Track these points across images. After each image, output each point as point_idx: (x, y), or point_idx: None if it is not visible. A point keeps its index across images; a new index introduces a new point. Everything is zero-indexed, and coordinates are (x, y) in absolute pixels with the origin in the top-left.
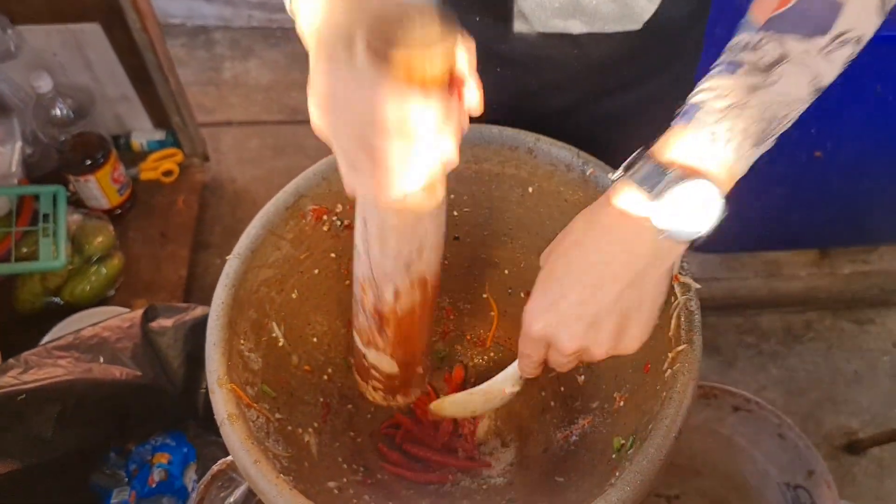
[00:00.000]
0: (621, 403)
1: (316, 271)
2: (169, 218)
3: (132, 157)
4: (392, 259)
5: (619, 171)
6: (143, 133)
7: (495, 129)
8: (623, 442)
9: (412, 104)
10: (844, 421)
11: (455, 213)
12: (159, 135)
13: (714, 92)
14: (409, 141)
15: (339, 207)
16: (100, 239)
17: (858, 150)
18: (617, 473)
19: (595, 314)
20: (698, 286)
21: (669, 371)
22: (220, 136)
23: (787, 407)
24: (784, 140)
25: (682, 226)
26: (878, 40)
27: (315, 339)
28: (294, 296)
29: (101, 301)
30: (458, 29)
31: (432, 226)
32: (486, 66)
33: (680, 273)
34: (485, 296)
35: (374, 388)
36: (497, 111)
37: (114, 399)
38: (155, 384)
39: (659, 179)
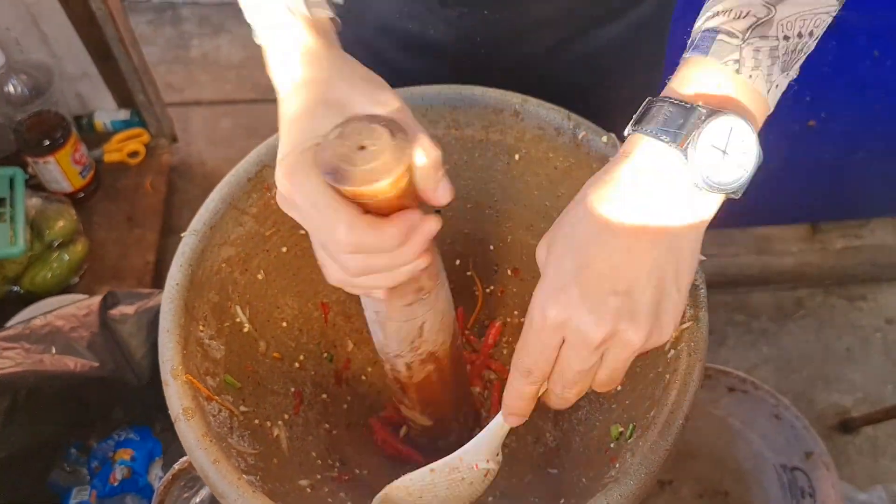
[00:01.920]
0: (618, 388)
1: (284, 249)
2: (136, 201)
3: (95, 138)
4: (395, 341)
5: (629, 127)
6: (107, 112)
7: (478, 91)
8: (622, 430)
9: (365, 233)
10: (837, 399)
11: None
12: (124, 114)
13: (730, 13)
14: (368, 260)
15: None
16: (61, 223)
17: (853, 119)
18: (617, 465)
19: (630, 285)
20: (703, 257)
21: (673, 352)
22: (190, 116)
23: (778, 386)
24: (776, 109)
25: (719, 174)
26: (877, 2)
27: (285, 324)
28: (260, 276)
29: (65, 289)
30: (416, 138)
31: (428, 308)
32: (474, 8)
33: None
34: (469, 273)
35: (414, 432)
36: (482, 54)
37: (70, 392)
38: (115, 376)
39: (684, 121)
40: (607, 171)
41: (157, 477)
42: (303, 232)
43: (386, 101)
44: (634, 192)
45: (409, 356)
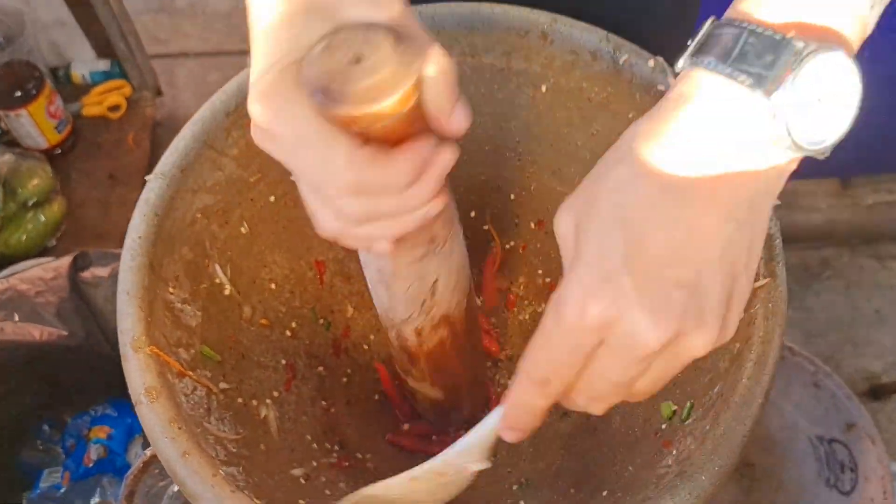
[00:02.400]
0: None
1: (272, 198)
2: (117, 158)
3: (73, 91)
4: (403, 304)
5: (686, 59)
6: (85, 63)
7: (498, 9)
8: (675, 408)
9: (368, 167)
10: (866, 364)
11: None
12: (103, 65)
13: None
14: (372, 203)
15: None
16: (35, 181)
17: None
18: (673, 451)
19: (698, 272)
20: (777, 202)
21: (742, 315)
22: (175, 68)
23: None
24: None
25: (813, 129)
26: None
27: (273, 286)
28: (243, 230)
29: (42, 251)
30: (425, 48)
31: (441, 262)
32: None
33: None
34: (485, 227)
35: (422, 408)
36: None
37: (37, 363)
38: (88, 345)
39: (774, 58)
40: (660, 120)
41: (137, 456)
42: (293, 178)
43: (385, 2)
44: (701, 150)
45: (419, 321)
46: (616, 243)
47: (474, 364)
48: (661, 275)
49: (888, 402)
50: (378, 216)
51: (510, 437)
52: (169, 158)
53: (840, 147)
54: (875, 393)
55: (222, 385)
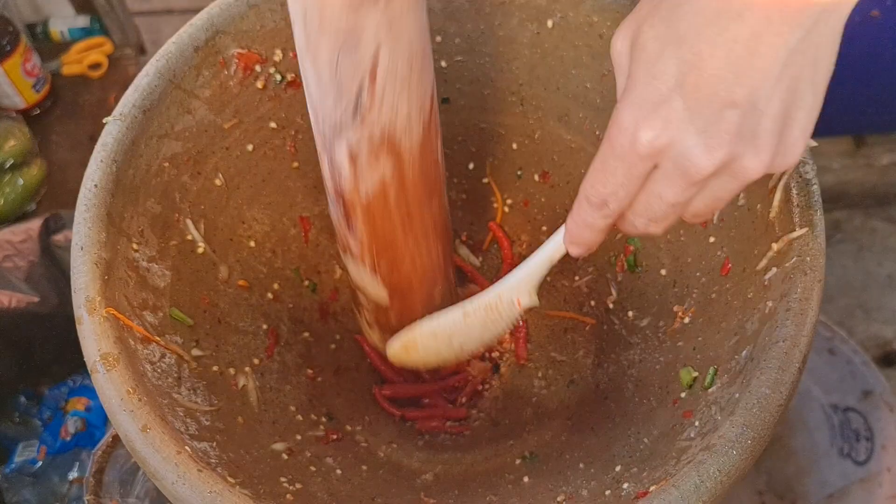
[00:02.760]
0: (685, 320)
1: (250, 147)
2: (99, 118)
3: (52, 49)
4: (333, 92)
5: None
6: (64, 20)
7: None
8: (696, 375)
9: None
10: (878, 330)
11: (443, 65)
12: (83, 21)
13: None
14: None
15: (279, 55)
16: (12, 143)
17: None
18: (695, 421)
19: (753, 91)
20: (814, 143)
21: (775, 270)
22: (160, 26)
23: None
24: None
25: None
26: None
27: (253, 244)
28: (218, 182)
29: (20, 216)
30: None
31: (385, 25)
32: None
33: None
34: (485, 180)
35: (369, 324)
36: None
37: (8, 332)
38: (62, 312)
39: None
40: None
41: None
42: (274, 125)
43: None
44: None
45: (353, 129)
46: (669, 64)
47: (431, 251)
48: (714, 95)
49: None
50: None
51: (574, 251)
52: (130, 98)
53: (858, 102)
54: (887, 359)
55: (195, 352)
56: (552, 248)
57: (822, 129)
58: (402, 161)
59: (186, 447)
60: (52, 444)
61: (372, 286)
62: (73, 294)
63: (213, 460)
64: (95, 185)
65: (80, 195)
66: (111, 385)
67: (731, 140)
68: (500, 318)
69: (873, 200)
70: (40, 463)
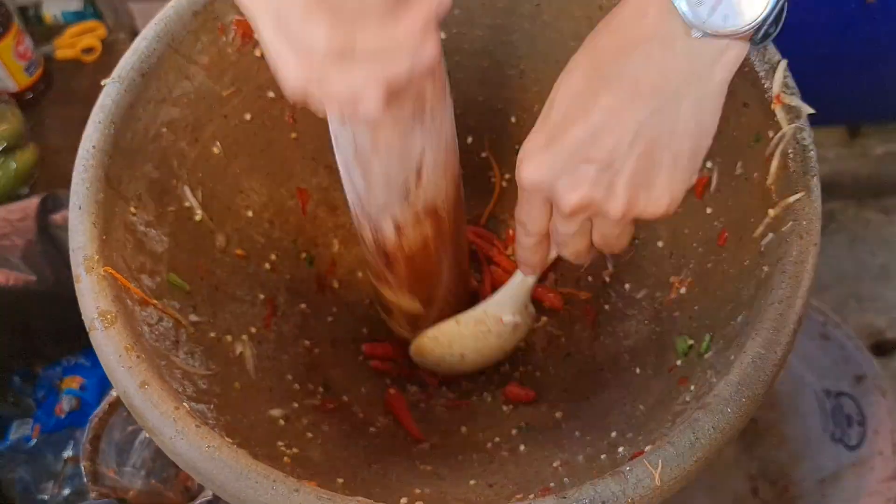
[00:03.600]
0: (681, 290)
1: (248, 116)
2: (92, 103)
3: (45, 32)
4: (381, 188)
5: None
6: (57, 3)
7: None
8: (692, 342)
9: None
10: (871, 319)
11: (442, 36)
12: (76, 4)
13: None
14: (346, 33)
15: None
16: (4, 126)
17: None
18: (691, 387)
19: (610, 154)
20: (812, 110)
21: (771, 236)
22: (154, 12)
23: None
24: None
25: (721, 15)
26: None
27: (250, 213)
28: (216, 150)
29: (14, 200)
30: None
31: (430, 137)
32: None
33: (784, 92)
34: (484, 154)
35: (399, 325)
36: None
37: (4, 310)
38: (58, 290)
39: None
40: (611, 14)
41: None
42: (272, 95)
43: None
44: (626, 48)
45: (400, 211)
46: (548, 123)
47: (459, 270)
48: (577, 152)
49: (893, 358)
50: (355, 53)
51: (524, 270)
52: (128, 61)
53: (852, 91)
54: (879, 348)
55: (192, 318)
56: (518, 273)
57: (817, 118)
58: (441, 222)
59: (185, 404)
60: (47, 421)
61: (410, 304)
62: (71, 254)
63: (210, 421)
64: (93, 147)
65: (78, 156)
66: (109, 342)
67: (588, 187)
68: (490, 332)
69: (868, 191)
70: (34, 441)
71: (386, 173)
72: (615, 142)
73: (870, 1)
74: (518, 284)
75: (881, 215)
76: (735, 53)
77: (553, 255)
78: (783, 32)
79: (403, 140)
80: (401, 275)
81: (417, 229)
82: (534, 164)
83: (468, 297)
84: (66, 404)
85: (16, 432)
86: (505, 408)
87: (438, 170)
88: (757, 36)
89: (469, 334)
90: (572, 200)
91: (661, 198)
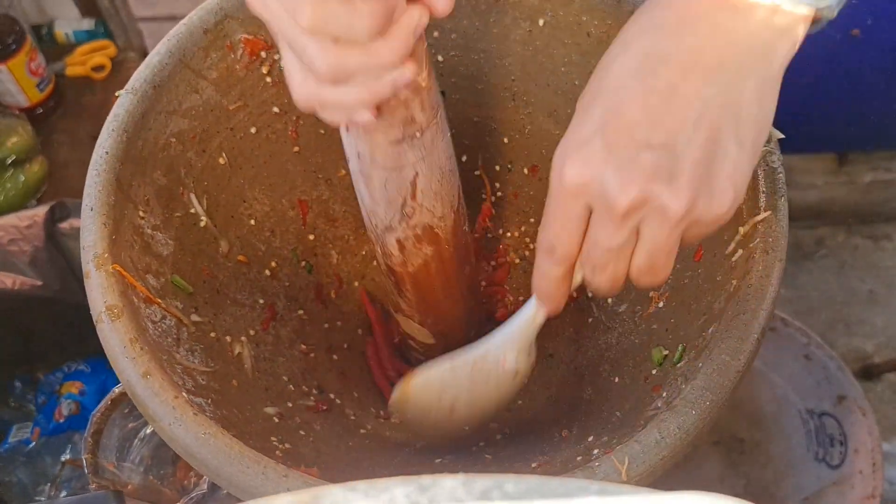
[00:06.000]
0: (660, 304)
1: (253, 130)
2: (101, 119)
3: (57, 50)
4: (382, 201)
5: None
6: (69, 22)
7: None
8: (667, 353)
9: (333, 9)
10: (858, 344)
11: (440, 59)
12: (87, 24)
13: None
14: (339, 55)
15: None
16: (14, 139)
17: None
18: (663, 393)
19: (670, 136)
20: (781, 135)
21: (741, 252)
22: (163, 31)
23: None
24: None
25: None
26: None
27: (253, 222)
28: (222, 161)
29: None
30: None
31: (421, 155)
32: None
33: None
34: (476, 173)
35: (416, 359)
36: None
37: (10, 314)
38: (63, 297)
39: None
40: (652, 7)
41: None
42: (276, 110)
43: None
44: (683, 16)
45: (400, 228)
46: (595, 111)
47: (467, 301)
48: (630, 138)
49: (879, 382)
50: (346, 72)
51: (545, 306)
52: (141, 74)
53: (841, 119)
54: (867, 372)
55: (194, 318)
56: (532, 307)
57: (806, 146)
58: (440, 244)
59: (182, 394)
60: (46, 425)
61: (420, 334)
62: (81, 252)
63: (208, 413)
64: (106, 153)
65: (92, 161)
66: (115, 334)
67: (647, 178)
68: (489, 377)
69: (856, 217)
70: (34, 444)
71: (384, 184)
72: (677, 123)
73: (855, 33)
74: (529, 319)
75: (869, 242)
76: (799, 33)
77: (577, 281)
78: None
79: (396, 157)
80: (410, 298)
81: (418, 250)
82: (580, 159)
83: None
84: (65, 408)
85: (15, 435)
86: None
87: (431, 188)
88: (829, 14)
89: (464, 377)
90: (629, 196)
91: (725, 192)
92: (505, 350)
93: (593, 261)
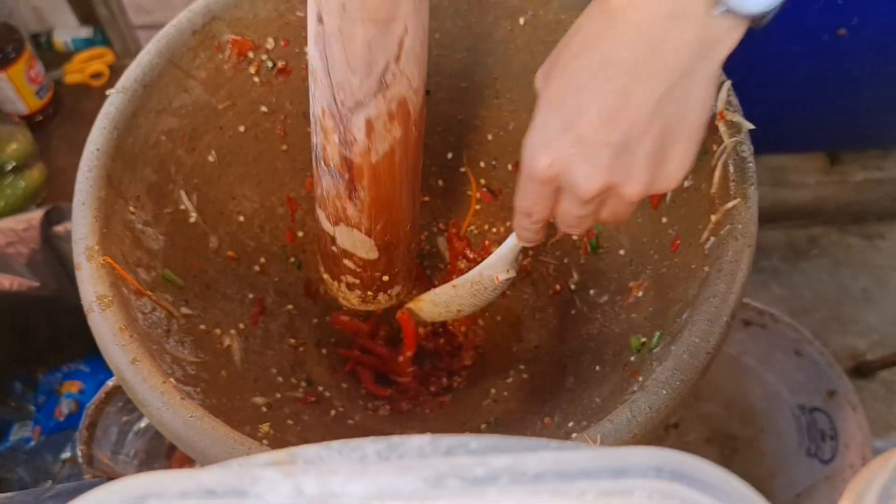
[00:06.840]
0: (639, 294)
1: (241, 129)
2: None
3: (55, 58)
4: (361, 73)
5: None
6: (67, 30)
7: None
8: (644, 340)
9: None
10: (852, 342)
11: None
12: (86, 32)
13: None
14: None
15: (270, 43)
16: (14, 146)
17: (891, 27)
18: (640, 378)
19: (626, 134)
20: (751, 126)
21: (713, 240)
22: None
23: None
24: (804, 14)
25: None
26: None
27: (242, 219)
28: (211, 158)
29: None
30: None
31: (415, 14)
32: None
33: (727, 109)
34: (462, 169)
35: (349, 287)
36: None
37: (8, 315)
38: (60, 298)
39: None
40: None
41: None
42: (264, 109)
43: None
44: (634, 30)
45: (374, 104)
46: (562, 108)
47: (413, 211)
48: (594, 136)
49: (873, 380)
50: None
51: (525, 243)
52: (131, 73)
53: (831, 119)
54: (860, 370)
55: (184, 310)
56: (514, 238)
57: (797, 146)
58: (408, 126)
59: (170, 380)
60: (46, 424)
61: (365, 248)
62: (73, 245)
63: (196, 401)
64: (97, 149)
65: (83, 158)
66: (105, 322)
67: (608, 172)
68: (485, 289)
69: (849, 216)
70: (34, 442)
71: (368, 47)
72: (631, 123)
73: (841, 33)
74: (511, 246)
75: (862, 240)
76: (738, 34)
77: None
78: (762, 63)
79: (390, 6)
80: (363, 199)
81: (387, 131)
82: (549, 154)
83: (417, 271)
84: (65, 407)
85: (16, 434)
86: (477, 411)
87: (416, 49)
88: (764, 20)
89: (466, 294)
90: (592, 188)
91: (676, 170)
92: (496, 271)
93: (566, 223)
